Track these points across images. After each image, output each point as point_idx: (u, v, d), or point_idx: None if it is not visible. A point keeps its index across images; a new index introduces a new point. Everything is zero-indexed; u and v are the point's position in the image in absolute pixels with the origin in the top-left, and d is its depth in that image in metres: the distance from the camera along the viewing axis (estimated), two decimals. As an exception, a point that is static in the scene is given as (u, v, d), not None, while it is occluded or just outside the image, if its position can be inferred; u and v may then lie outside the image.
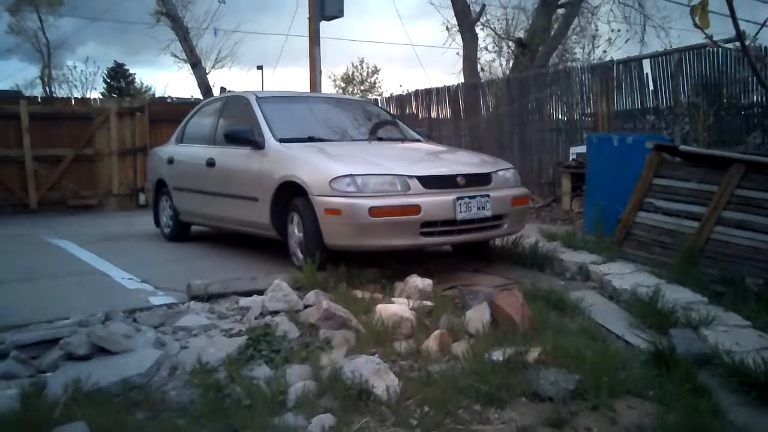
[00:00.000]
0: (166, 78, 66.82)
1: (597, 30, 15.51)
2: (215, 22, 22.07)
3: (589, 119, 8.61)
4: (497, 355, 3.18)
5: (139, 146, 11.23)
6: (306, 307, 4.03)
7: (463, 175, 4.61)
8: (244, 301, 4.11)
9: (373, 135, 5.71)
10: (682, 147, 4.73)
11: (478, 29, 13.60)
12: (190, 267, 5.29)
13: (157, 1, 17.63)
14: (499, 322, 3.60)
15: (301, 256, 4.69)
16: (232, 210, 5.47)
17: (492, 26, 15.19)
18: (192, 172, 6.10)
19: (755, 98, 6.70)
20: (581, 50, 18.59)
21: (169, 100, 12.44)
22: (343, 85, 31.21)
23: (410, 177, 4.41)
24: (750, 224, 4.47)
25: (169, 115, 11.54)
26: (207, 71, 20.98)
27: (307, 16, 13.13)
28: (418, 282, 4.19)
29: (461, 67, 13.29)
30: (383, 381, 2.94)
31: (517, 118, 9.47)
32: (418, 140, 5.85)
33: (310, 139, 5.24)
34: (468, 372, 3.10)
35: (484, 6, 14.03)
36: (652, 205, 5.03)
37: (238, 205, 5.36)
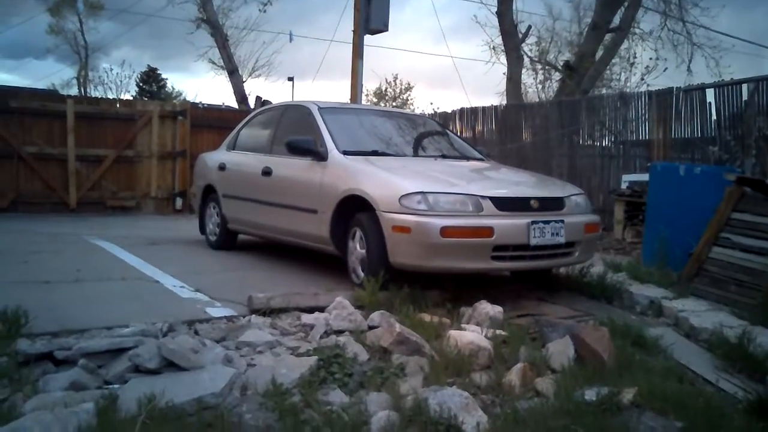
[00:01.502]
0: (198, 84, 67.33)
1: (635, 57, 15.31)
2: (253, 31, 22.19)
3: (643, 147, 8.37)
4: (590, 395, 2.96)
5: (179, 150, 11.18)
6: (370, 327, 3.85)
7: (537, 199, 4.42)
8: (306, 318, 3.93)
9: (437, 152, 5.53)
10: (769, 181, 4.49)
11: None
12: (242, 278, 5.14)
13: (199, 8, 17.75)
14: (584, 358, 3.39)
15: (361, 273, 4.51)
16: (287, 221, 5.31)
17: (531, 50, 15.09)
18: (245, 180, 5.96)
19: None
20: (618, 77, 18.43)
21: (200, 106, 12.37)
22: (375, 100, 31.14)
23: (483, 198, 4.22)
24: (841, 266, 4.21)
25: (211, 120, 11.52)
26: (243, 80, 21.10)
27: (352, 29, 13.14)
28: (488, 309, 3.99)
29: (504, 87, 13.15)
30: (472, 417, 2.74)
31: (566, 142, 9.26)
32: (482, 159, 5.66)
33: (374, 153, 5.07)
34: (558, 411, 2.89)
35: (530, 27, 13.92)
36: (729, 240, 4.79)
37: (294, 216, 5.20)
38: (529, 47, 15.06)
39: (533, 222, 4.23)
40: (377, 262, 4.32)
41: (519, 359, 3.42)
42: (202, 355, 2.98)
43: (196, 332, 3.57)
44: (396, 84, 31.69)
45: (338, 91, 64.84)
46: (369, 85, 31.97)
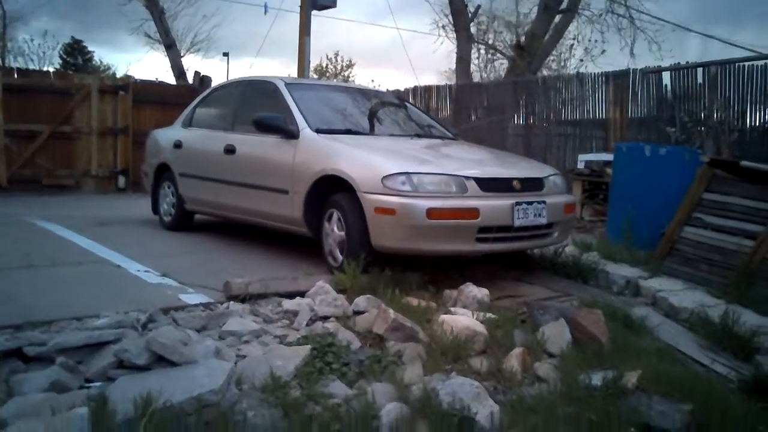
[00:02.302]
0: (128, 58, 64.39)
1: (574, 39, 15.52)
2: (194, 4, 21.37)
3: (599, 127, 8.46)
4: (595, 380, 2.91)
5: (121, 126, 10.62)
6: (355, 313, 3.71)
7: (519, 179, 4.34)
8: (288, 304, 3.74)
9: (412, 131, 5.38)
10: (744, 162, 4.55)
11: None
12: (208, 261, 4.89)
13: (132, -21, 16.93)
14: (581, 341, 3.34)
15: (340, 256, 4.34)
16: (254, 202, 5.07)
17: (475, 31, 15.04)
18: (205, 159, 5.66)
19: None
20: (557, 58, 18.64)
21: (156, 81, 11.84)
22: (315, 76, 30.63)
23: (467, 178, 4.11)
24: (810, 246, 4.32)
25: (154, 96, 11.01)
26: (182, 54, 20.30)
27: (299, 4, 12.79)
28: (475, 291, 3.91)
29: (447, 66, 13.11)
30: (484, 407, 2.64)
31: (522, 121, 9.27)
32: (454, 138, 5.55)
33: (348, 132, 4.88)
34: (565, 397, 2.83)
35: (479, 6, 13.88)
36: (700, 220, 4.85)
37: (262, 197, 4.96)
38: (473, 27, 14.99)
39: (517, 203, 4.16)
40: (358, 244, 4.16)
41: (514, 343, 3.35)
42: (192, 347, 2.76)
43: (175, 321, 3.34)
44: (337, 60, 31.30)
45: (277, 68, 63.52)
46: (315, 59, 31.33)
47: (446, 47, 45.61)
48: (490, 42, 18.53)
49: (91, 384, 2.59)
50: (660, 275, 4.77)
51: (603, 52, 13.92)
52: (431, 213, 3.89)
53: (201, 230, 6.24)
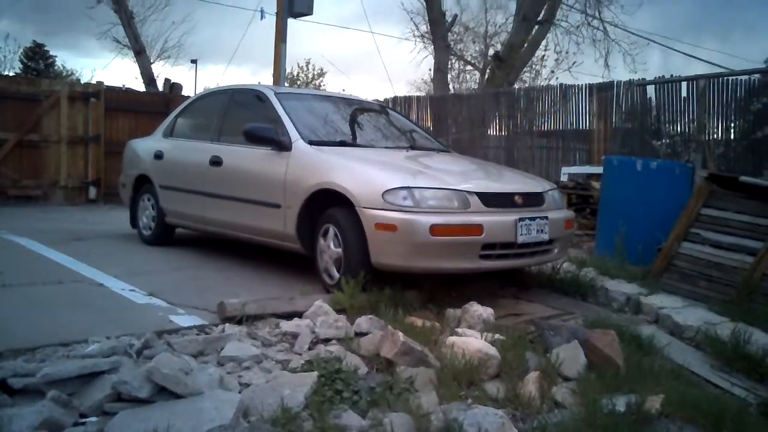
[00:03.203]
0: (92, 64, 63.07)
1: (546, 50, 15.61)
2: (165, 8, 21.02)
3: (583, 139, 8.44)
4: (619, 405, 2.79)
5: (92, 135, 10.30)
6: (357, 334, 3.54)
7: (521, 194, 4.23)
8: (286, 326, 3.56)
9: (405, 143, 5.24)
10: (743, 178, 4.52)
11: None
12: (195, 279, 4.66)
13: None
14: (595, 364, 3.23)
15: (336, 274, 4.17)
16: (243, 216, 4.87)
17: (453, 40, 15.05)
18: (189, 171, 5.44)
19: (765, 132, 6.66)
20: (530, 69, 18.74)
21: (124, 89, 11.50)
22: (287, 85, 30.35)
23: (470, 193, 3.98)
24: (811, 262, 4.29)
25: (128, 104, 10.72)
26: (151, 61, 19.91)
27: (275, 11, 12.59)
28: (480, 311, 3.77)
29: (417, 76, 13.08)
30: (508, 438, 2.50)
31: (505, 133, 9.22)
32: (447, 150, 5.43)
33: (342, 144, 4.72)
34: (589, 425, 2.71)
35: (456, 16, 13.85)
36: (698, 236, 4.80)
37: (252, 211, 4.76)
38: (458, 36, 15.02)
39: (521, 219, 4.04)
40: (357, 262, 3.99)
41: (528, 367, 3.22)
42: (194, 377, 2.56)
43: (170, 346, 3.12)
44: (308, 69, 31.07)
45: (247, 77, 62.94)
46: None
47: (419, 56, 45.86)
48: (461, 53, 18.60)
49: (87, 419, 2.38)
50: (659, 292, 4.70)
51: (574, 63, 14.05)
52: (434, 229, 3.75)
53: (183, 245, 6.01)
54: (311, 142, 4.56)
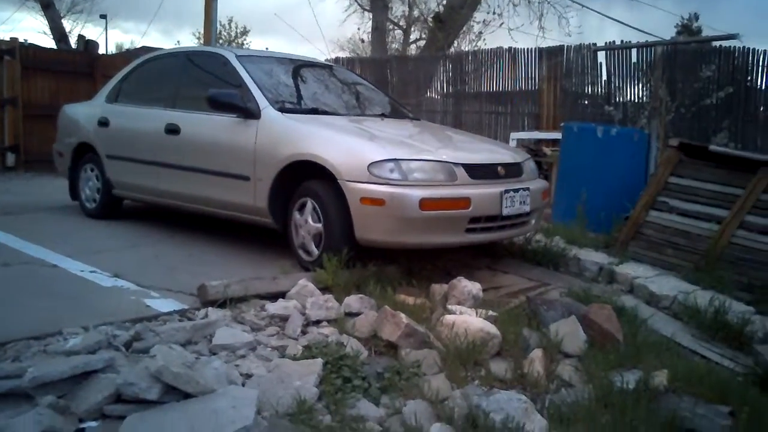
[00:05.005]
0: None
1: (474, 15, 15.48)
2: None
3: (532, 105, 8.46)
4: (629, 382, 2.78)
5: (8, 97, 9.47)
6: (348, 314, 3.40)
7: (503, 165, 4.15)
8: (273, 308, 3.37)
9: (378, 110, 5.03)
10: (713, 147, 4.60)
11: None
12: (157, 256, 4.37)
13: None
14: (595, 339, 3.22)
15: (315, 250, 3.98)
16: (205, 189, 4.57)
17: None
18: (141, 139, 5.06)
19: (714, 99, 6.84)
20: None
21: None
22: (219, 44, 29.10)
23: (456, 165, 3.86)
24: (775, 230, 4.43)
25: (48, 62, 9.93)
26: (62, 15, 18.61)
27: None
28: (469, 287, 3.68)
29: (343, 36, 12.75)
30: (532, 422, 2.44)
31: (452, 98, 9.12)
32: (417, 118, 5.27)
33: (314, 111, 4.48)
34: (602, 403, 2.69)
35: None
36: (666, 204, 4.88)
37: (216, 183, 4.48)
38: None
39: (506, 191, 3.97)
40: (339, 238, 3.82)
41: (528, 344, 3.18)
42: (200, 372, 2.36)
43: (157, 335, 2.88)
44: (231, 27, 29.91)
45: (162, 38, 59.82)
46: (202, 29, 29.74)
47: (342, 15, 44.87)
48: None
49: (86, 425, 2.15)
50: (628, 260, 4.77)
51: (501, 24, 13.99)
52: (424, 203, 3.62)
53: (132, 218, 5.63)
54: (282, 110, 4.31)
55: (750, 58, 6.82)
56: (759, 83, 6.85)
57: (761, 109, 6.91)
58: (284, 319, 3.29)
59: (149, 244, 4.72)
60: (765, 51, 6.78)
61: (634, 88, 7.41)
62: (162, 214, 5.65)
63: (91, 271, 3.86)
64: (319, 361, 2.74)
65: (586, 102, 7.81)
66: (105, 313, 3.10)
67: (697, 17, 28.62)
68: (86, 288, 3.57)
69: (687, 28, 29.02)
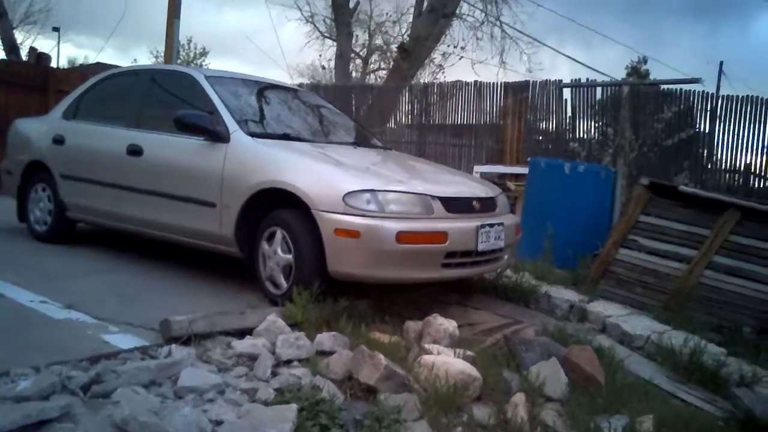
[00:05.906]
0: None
1: (448, 46, 15.68)
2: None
3: (496, 138, 8.48)
4: (617, 428, 2.70)
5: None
6: (319, 353, 3.23)
7: (478, 199, 4.07)
8: (240, 346, 3.17)
9: (349, 138, 4.91)
10: (682, 188, 4.63)
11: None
12: (115, 285, 4.12)
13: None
14: (576, 382, 3.13)
15: (284, 283, 3.81)
16: (168, 214, 4.35)
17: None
18: (100, 160, 4.81)
19: (674, 140, 6.96)
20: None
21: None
22: (179, 62, 28.62)
23: (433, 197, 3.76)
24: (741, 271, 4.48)
25: (-2, 74, 9.49)
26: (14, 26, 18.05)
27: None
28: (446, 324, 3.55)
29: (321, 64, 12.71)
30: (523, 475, 2.31)
31: (416, 128, 9.09)
32: (389, 148, 5.16)
33: (285, 137, 4.32)
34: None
35: (358, 2, 13.59)
36: (636, 242, 4.88)
37: (179, 209, 4.27)
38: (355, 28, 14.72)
39: (481, 225, 3.88)
40: (311, 270, 3.65)
41: (510, 387, 3.07)
42: (169, 419, 2.16)
43: (117, 375, 2.66)
44: (189, 47, 29.53)
45: (121, 55, 58.88)
46: (161, 47, 29.29)
47: (297, 41, 44.92)
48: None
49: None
50: (597, 298, 4.74)
51: (461, 58, 14.19)
52: (401, 237, 3.50)
53: (86, 243, 5.32)
54: (252, 134, 4.15)
55: (710, 102, 6.99)
56: (717, 126, 7.02)
57: (717, 152, 7.08)
58: (253, 358, 3.10)
59: (105, 272, 4.46)
60: (724, 96, 6.97)
61: (598, 125, 7.50)
62: (119, 239, 5.38)
63: (42, 302, 3.59)
64: (294, 406, 2.56)
65: (550, 138, 7.87)
66: (58, 350, 2.85)
67: (645, 60, 29.66)
68: (36, 321, 3.30)
69: (636, 70, 30.08)
